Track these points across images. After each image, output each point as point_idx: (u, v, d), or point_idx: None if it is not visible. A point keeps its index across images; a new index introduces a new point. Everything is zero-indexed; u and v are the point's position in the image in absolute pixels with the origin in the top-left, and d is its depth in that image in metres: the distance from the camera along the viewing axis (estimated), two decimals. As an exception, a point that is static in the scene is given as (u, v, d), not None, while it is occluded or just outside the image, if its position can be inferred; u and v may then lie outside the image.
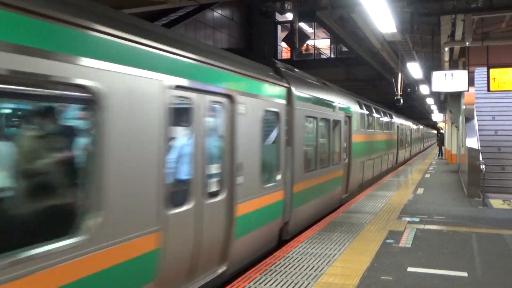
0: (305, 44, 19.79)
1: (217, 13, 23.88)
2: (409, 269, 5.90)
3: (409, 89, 21.66)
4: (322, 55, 29.99)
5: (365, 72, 25.62)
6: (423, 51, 16.74)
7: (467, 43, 11.73)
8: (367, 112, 15.04)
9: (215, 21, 23.87)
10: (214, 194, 5.53)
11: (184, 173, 5.15)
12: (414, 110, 43.64)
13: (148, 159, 4.24)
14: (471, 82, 13.55)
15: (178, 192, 4.93)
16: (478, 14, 10.34)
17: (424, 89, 20.32)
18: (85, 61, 3.50)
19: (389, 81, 22.59)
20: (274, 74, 7.76)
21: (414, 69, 14.98)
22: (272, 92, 7.25)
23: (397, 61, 17.80)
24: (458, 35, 11.64)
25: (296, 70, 9.46)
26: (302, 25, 19.37)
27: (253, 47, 26.58)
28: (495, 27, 12.86)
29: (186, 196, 5.02)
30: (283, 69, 8.35)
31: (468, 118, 14.93)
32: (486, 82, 12.74)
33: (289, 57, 26.64)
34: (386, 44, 15.98)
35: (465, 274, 5.74)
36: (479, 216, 9.69)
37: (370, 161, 15.38)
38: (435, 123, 53.46)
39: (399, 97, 19.05)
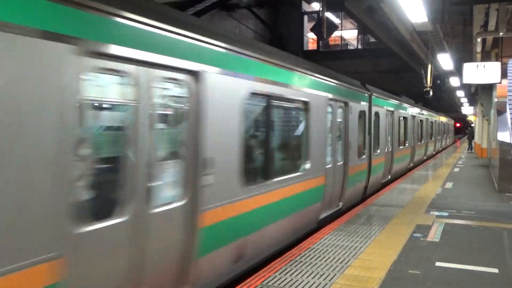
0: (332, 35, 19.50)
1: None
2: (437, 263, 5.79)
3: (438, 81, 21.15)
4: (349, 46, 29.56)
5: (392, 63, 25.07)
6: (453, 42, 16.29)
7: (501, 34, 11.37)
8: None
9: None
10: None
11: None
12: (443, 102, 42.67)
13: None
14: (504, 74, 13.16)
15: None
16: (513, 3, 10.00)
17: (454, 81, 19.80)
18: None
19: (417, 72, 22.10)
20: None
21: (445, 60, 14.60)
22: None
23: (427, 52, 17.39)
24: (491, 25, 11.29)
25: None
26: (329, 15, 19.06)
27: (278, 37, 26.35)
28: (530, 17, 12.42)
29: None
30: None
31: (500, 111, 14.53)
32: (520, 74, 12.39)
33: (315, 48, 26.31)
34: (416, 35, 15.62)
35: (495, 270, 5.59)
36: (510, 212, 9.44)
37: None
38: (465, 116, 52.28)
39: (428, 89, 18.58)
